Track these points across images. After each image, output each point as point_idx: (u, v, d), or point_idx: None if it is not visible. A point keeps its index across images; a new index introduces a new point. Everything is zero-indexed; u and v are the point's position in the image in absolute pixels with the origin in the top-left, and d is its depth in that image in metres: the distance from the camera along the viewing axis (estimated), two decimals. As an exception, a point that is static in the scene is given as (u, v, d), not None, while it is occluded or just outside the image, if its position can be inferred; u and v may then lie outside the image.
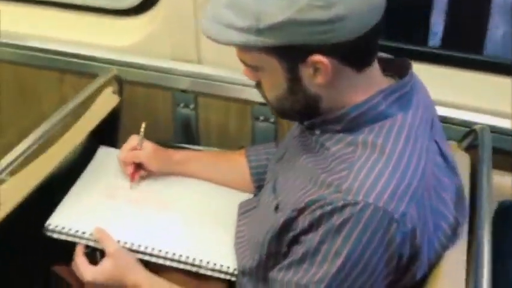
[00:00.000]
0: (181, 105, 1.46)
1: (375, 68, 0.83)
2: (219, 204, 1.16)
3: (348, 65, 0.79)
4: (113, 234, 1.05)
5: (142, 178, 1.19)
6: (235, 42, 0.77)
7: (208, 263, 1.04)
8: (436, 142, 0.87)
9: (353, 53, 0.78)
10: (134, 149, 1.17)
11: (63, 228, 1.07)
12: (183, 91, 1.43)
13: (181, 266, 1.05)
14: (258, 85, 0.86)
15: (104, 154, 1.28)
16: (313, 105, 0.83)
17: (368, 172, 0.75)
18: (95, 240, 1.05)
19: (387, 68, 0.88)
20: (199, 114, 1.46)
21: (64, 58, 1.50)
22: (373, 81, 0.83)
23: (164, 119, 1.50)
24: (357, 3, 0.73)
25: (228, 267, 1.03)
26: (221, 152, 1.35)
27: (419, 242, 0.76)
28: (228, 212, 1.14)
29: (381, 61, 0.86)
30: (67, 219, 1.08)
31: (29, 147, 1.19)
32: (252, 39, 0.75)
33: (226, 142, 1.46)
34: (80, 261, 1.04)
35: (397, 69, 0.88)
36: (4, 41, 1.55)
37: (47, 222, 1.07)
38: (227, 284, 1.05)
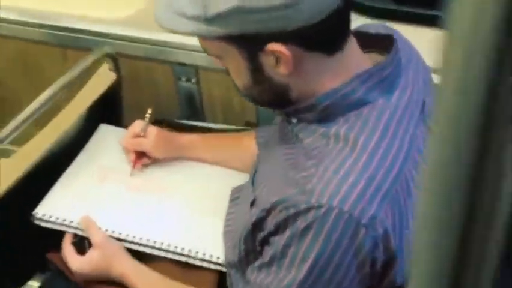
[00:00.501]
0: (183, 79, 1.40)
1: (350, 49, 0.74)
2: (220, 189, 1.09)
3: (313, 51, 0.71)
4: (101, 222, 1.02)
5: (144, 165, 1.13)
6: (186, 31, 0.70)
7: (197, 253, 0.99)
8: (426, 122, 0.79)
9: (317, 38, 0.70)
10: (137, 136, 1.11)
11: (50, 217, 1.04)
12: (182, 64, 1.36)
13: (170, 256, 1.00)
14: (227, 72, 0.79)
15: (104, 132, 1.23)
16: (282, 94, 0.75)
17: (336, 170, 0.68)
18: (82, 229, 1.02)
19: (370, 44, 0.79)
20: (201, 88, 1.40)
21: (61, 33, 1.45)
22: (348, 64, 0.74)
23: (167, 94, 1.45)
24: None
25: (218, 258, 0.99)
26: (229, 134, 1.29)
27: (394, 245, 0.68)
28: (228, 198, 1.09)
29: (361, 37, 0.78)
30: (54, 208, 1.05)
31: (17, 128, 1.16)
32: (202, 28, 0.68)
33: (231, 117, 1.40)
34: (67, 250, 1.01)
35: (381, 44, 0.80)
36: (5, 16, 1.51)
37: (35, 211, 1.05)
38: (218, 274, 1.00)
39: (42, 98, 1.22)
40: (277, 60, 0.70)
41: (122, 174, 1.11)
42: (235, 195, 1.05)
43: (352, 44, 0.75)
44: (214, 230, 1.01)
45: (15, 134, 1.16)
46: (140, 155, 1.12)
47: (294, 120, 0.78)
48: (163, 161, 1.13)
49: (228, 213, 1.03)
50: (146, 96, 1.47)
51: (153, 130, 1.11)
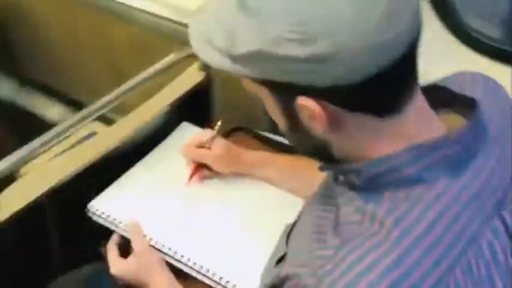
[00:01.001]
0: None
1: (413, 111, 0.61)
2: (276, 220, 0.98)
3: (356, 112, 0.60)
4: (147, 230, 0.99)
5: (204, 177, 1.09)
6: (212, 62, 0.62)
7: (228, 282, 0.93)
8: (503, 218, 0.63)
9: (360, 100, 0.59)
10: (201, 146, 1.06)
11: (102, 213, 1.03)
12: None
13: (206, 281, 0.96)
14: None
15: (184, 131, 1.21)
16: (322, 149, 0.65)
17: (359, 259, 0.56)
18: (128, 233, 1.00)
19: (450, 101, 0.67)
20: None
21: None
22: (407, 130, 0.62)
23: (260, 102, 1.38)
24: (352, 39, 0.54)
25: None
26: (302, 157, 1.20)
27: None
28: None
29: (437, 93, 0.65)
30: (108, 204, 1.05)
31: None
32: (227, 64, 0.60)
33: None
34: (110, 251, 1.00)
35: (466, 100, 0.67)
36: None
37: (90, 204, 1.05)
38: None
39: (128, 84, 1.22)
40: (310, 115, 0.60)
41: (184, 182, 1.08)
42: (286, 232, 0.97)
43: (417, 105, 0.62)
44: (255, 266, 0.94)
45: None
46: (201, 165, 1.07)
47: (341, 178, 0.68)
48: (224, 176, 1.08)
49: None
50: (239, 100, 1.42)
51: (219, 143, 1.06)
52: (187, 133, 1.18)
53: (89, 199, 1.06)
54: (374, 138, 0.62)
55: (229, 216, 1.04)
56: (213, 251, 0.98)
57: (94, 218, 1.04)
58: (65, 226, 1.14)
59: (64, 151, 1.40)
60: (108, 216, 1.03)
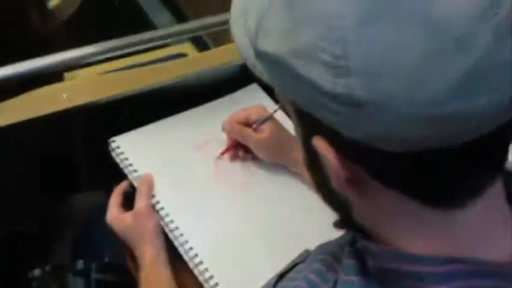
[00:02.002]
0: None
1: (475, 211, 0.43)
2: (297, 235, 0.85)
3: (391, 189, 0.43)
4: (158, 190, 0.88)
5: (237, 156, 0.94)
6: (238, 43, 0.46)
7: (211, 278, 0.81)
8: None
9: (400, 176, 0.42)
10: (246, 123, 0.92)
11: (121, 153, 0.93)
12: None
13: (185, 258, 0.84)
14: None
15: (249, 94, 1.05)
16: (341, 206, 0.49)
17: None
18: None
19: None
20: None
21: None
22: (453, 232, 0.44)
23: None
24: (405, 94, 0.37)
25: None
26: None
27: None
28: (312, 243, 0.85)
29: None
30: (131, 146, 0.93)
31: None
32: (251, 56, 0.44)
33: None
34: (113, 196, 0.90)
35: None
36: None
37: (112, 138, 0.94)
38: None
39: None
40: (328, 166, 0.44)
41: (216, 154, 0.94)
42: (305, 256, 0.81)
43: (488, 202, 0.44)
44: (249, 277, 0.80)
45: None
46: (239, 145, 0.93)
47: (359, 245, 0.52)
48: (261, 162, 0.93)
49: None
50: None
51: (269, 126, 0.90)
52: (251, 97, 1.03)
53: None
54: (407, 222, 0.45)
55: (248, 213, 0.89)
56: (212, 241, 0.85)
57: (113, 154, 0.93)
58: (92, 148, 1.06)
59: (138, 64, 1.32)
60: (126, 158, 0.92)
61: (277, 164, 0.93)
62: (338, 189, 0.45)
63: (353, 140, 0.40)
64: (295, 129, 0.49)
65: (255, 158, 0.93)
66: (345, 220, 0.53)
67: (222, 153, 0.93)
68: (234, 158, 0.93)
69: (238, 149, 0.93)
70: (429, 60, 0.36)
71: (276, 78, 0.43)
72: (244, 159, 0.93)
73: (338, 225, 0.55)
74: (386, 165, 0.41)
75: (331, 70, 0.38)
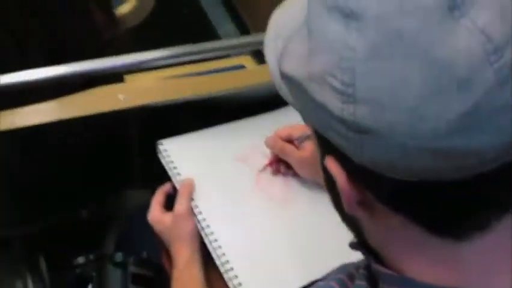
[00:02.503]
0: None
1: (482, 244, 0.45)
2: (341, 246, 0.87)
3: (399, 214, 0.45)
4: (198, 195, 0.92)
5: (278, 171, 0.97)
6: (268, 61, 0.49)
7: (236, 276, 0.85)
8: None
9: (406, 203, 0.44)
10: (289, 140, 0.93)
11: (168, 155, 0.97)
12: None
13: (217, 262, 0.87)
14: None
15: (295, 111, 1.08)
16: (355, 227, 0.51)
17: None
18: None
19: None
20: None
21: None
22: (460, 260, 0.45)
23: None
24: (408, 126, 0.39)
25: None
26: None
27: None
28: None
29: None
30: (178, 150, 0.98)
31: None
32: (277, 75, 0.48)
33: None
34: (156, 196, 0.95)
35: None
36: None
37: (161, 140, 0.98)
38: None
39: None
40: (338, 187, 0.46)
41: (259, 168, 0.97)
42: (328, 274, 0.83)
43: (497, 236, 0.45)
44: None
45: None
46: (280, 161, 0.95)
47: (372, 268, 0.54)
48: (303, 180, 0.95)
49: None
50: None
51: (310, 146, 0.92)
52: (298, 114, 1.05)
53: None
54: (414, 249, 0.47)
55: (284, 227, 0.91)
56: (245, 250, 0.88)
57: (159, 155, 0.98)
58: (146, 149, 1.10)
59: (197, 73, 1.36)
60: (171, 161, 0.96)
61: (317, 182, 0.95)
62: (348, 210, 0.47)
63: (361, 164, 0.42)
64: (315, 149, 0.51)
65: (295, 174, 0.95)
66: (359, 241, 0.55)
67: (265, 166, 0.96)
68: (276, 172, 0.96)
69: (280, 165, 0.96)
70: (431, 98, 0.38)
71: (297, 100, 0.46)
72: (285, 175, 0.96)
73: (353, 246, 0.57)
74: (392, 191, 0.43)
75: (340, 96, 0.40)
